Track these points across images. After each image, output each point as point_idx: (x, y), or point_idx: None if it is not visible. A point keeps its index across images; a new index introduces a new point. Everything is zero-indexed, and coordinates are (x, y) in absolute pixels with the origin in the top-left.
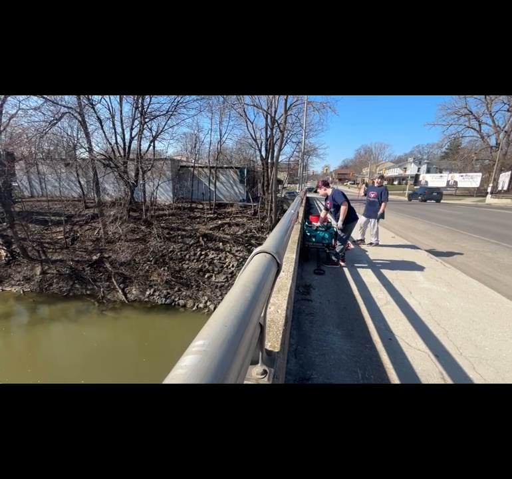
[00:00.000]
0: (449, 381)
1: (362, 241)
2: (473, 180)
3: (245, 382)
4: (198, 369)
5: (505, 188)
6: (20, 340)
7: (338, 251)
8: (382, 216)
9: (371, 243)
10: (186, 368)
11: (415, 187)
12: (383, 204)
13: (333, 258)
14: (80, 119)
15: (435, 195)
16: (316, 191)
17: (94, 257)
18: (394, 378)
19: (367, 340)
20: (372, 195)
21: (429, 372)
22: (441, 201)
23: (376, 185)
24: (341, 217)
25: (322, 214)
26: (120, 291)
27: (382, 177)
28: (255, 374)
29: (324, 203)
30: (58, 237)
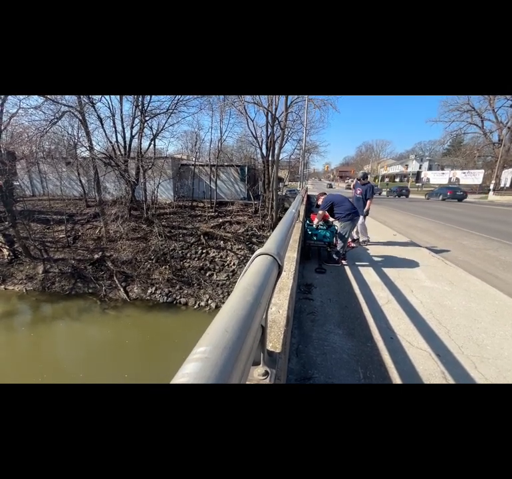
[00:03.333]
0: (451, 381)
1: (357, 240)
2: (475, 177)
3: (247, 382)
4: (200, 378)
5: (508, 185)
6: (24, 339)
7: (338, 249)
8: (367, 213)
9: (364, 241)
10: (188, 376)
11: (417, 184)
12: (368, 201)
13: (334, 257)
14: (80, 118)
15: (404, 192)
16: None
17: (96, 256)
18: (395, 378)
19: (368, 339)
20: (358, 192)
21: (431, 371)
22: (409, 196)
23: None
24: (316, 220)
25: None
26: (121, 289)
27: (364, 176)
28: (257, 376)
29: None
30: (60, 236)
